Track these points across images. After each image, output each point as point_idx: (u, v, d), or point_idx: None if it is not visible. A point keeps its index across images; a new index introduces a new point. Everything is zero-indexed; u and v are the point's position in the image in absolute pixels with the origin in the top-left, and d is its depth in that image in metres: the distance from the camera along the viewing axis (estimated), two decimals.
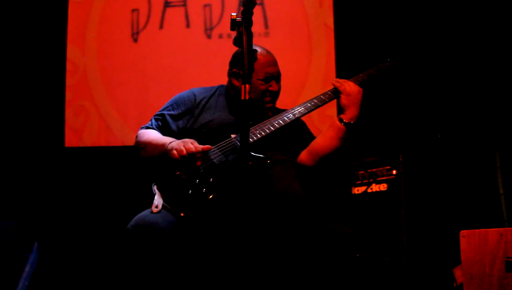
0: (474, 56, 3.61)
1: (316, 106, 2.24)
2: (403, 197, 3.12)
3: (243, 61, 1.55)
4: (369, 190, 3.26)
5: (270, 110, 2.32)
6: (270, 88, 2.26)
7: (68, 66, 3.83)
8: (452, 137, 3.53)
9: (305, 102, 2.25)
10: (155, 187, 1.99)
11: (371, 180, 3.27)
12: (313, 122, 3.57)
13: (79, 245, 3.52)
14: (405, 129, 3.65)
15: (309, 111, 2.23)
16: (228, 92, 2.37)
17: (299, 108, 2.23)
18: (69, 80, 3.82)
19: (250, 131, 2.07)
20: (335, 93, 2.25)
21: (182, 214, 1.88)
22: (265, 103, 2.29)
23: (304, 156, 2.26)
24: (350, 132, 2.17)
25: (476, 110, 3.56)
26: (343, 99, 2.20)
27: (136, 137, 2.27)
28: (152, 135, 2.23)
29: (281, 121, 2.16)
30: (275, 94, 2.31)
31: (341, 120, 2.18)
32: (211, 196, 1.91)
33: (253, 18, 1.61)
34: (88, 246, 3.51)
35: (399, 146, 3.48)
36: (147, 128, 2.29)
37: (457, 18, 3.66)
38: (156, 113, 2.33)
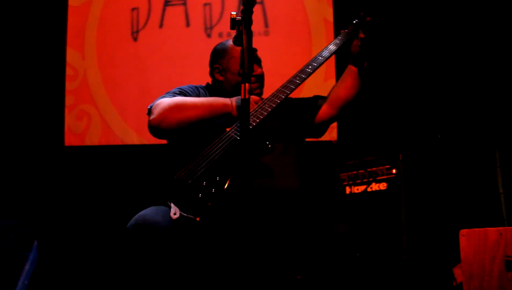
0: (474, 55, 3.61)
1: (314, 69, 2.19)
2: (403, 196, 3.12)
3: (243, 60, 1.55)
4: (369, 189, 3.27)
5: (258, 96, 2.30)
6: (254, 73, 2.25)
7: (68, 71, 3.83)
8: (452, 136, 3.53)
9: (309, 62, 2.20)
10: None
11: (370, 179, 3.27)
12: None
13: (79, 244, 3.52)
14: (405, 128, 3.65)
15: (307, 76, 2.15)
16: (212, 89, 2.35)
17: (300, 74, 2.16)
18: (70, 85, 3.82)
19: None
20: (356, 28, 2.26)
21: (198, 219, 1.85)
22: (253, 90, 2.27)
23: (326, 108, 2.29)
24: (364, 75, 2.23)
25: (476, 109, 3.56)
26: (357, 43, 2.25)
27: (168, 101, 2.10)
28: (198, 97, 2.16)
29: (281, 95, 2.08)
30: (260, 78, 2.29)
31: (354, 64, 2.26)
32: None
33: (253, 17, 1.60)
34: (88, 245, 3.51)
35: (399, 145, 3.48)
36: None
37: (457, 16, 3.66)
38: (169, 91, 2.24)
